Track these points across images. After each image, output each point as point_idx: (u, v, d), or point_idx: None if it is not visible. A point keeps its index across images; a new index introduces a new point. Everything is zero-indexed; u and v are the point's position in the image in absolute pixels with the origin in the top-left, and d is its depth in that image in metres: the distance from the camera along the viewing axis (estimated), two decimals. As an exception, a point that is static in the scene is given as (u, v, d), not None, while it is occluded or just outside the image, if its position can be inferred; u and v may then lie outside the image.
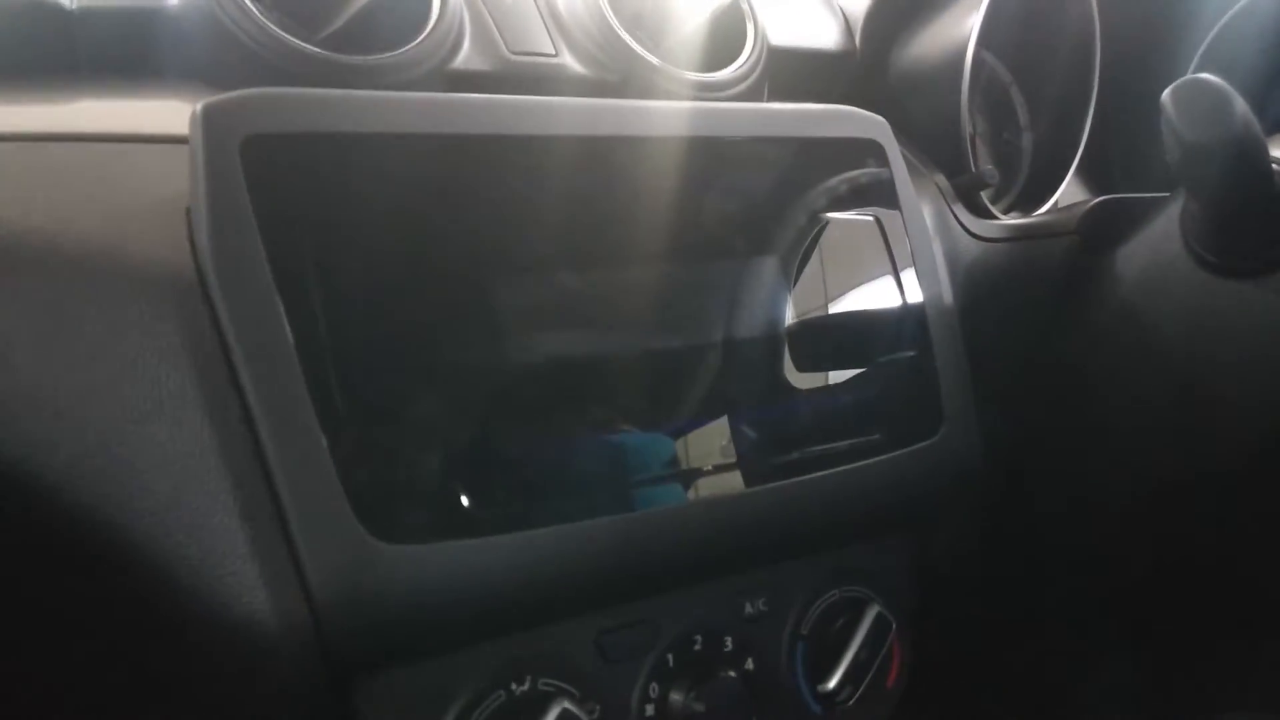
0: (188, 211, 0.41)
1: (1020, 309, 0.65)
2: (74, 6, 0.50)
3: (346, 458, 0.39)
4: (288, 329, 0.39)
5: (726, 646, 0.51)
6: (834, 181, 0.55)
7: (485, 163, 0.45)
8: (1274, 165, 0.51)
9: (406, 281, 0.42)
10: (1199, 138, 0.47)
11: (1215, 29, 0.81)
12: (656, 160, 0.49)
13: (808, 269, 0.53)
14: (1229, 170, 0.48)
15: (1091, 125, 0.79)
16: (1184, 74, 0.82)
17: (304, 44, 0.49)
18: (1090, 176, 0.87)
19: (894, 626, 0.54)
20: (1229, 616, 0.69)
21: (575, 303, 0.46)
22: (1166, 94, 0.48)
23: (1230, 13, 0.81)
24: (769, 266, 0.52)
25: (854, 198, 0.56)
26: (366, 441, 0.40)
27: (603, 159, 0.48)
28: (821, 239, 0.54)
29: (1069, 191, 0.80)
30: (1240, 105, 0.46)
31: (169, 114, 0.47)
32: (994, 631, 0.69)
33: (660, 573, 0.48)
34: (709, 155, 0.51)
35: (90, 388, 0.39)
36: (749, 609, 0.52)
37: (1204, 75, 0.47)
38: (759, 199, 0.52)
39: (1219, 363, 0.57)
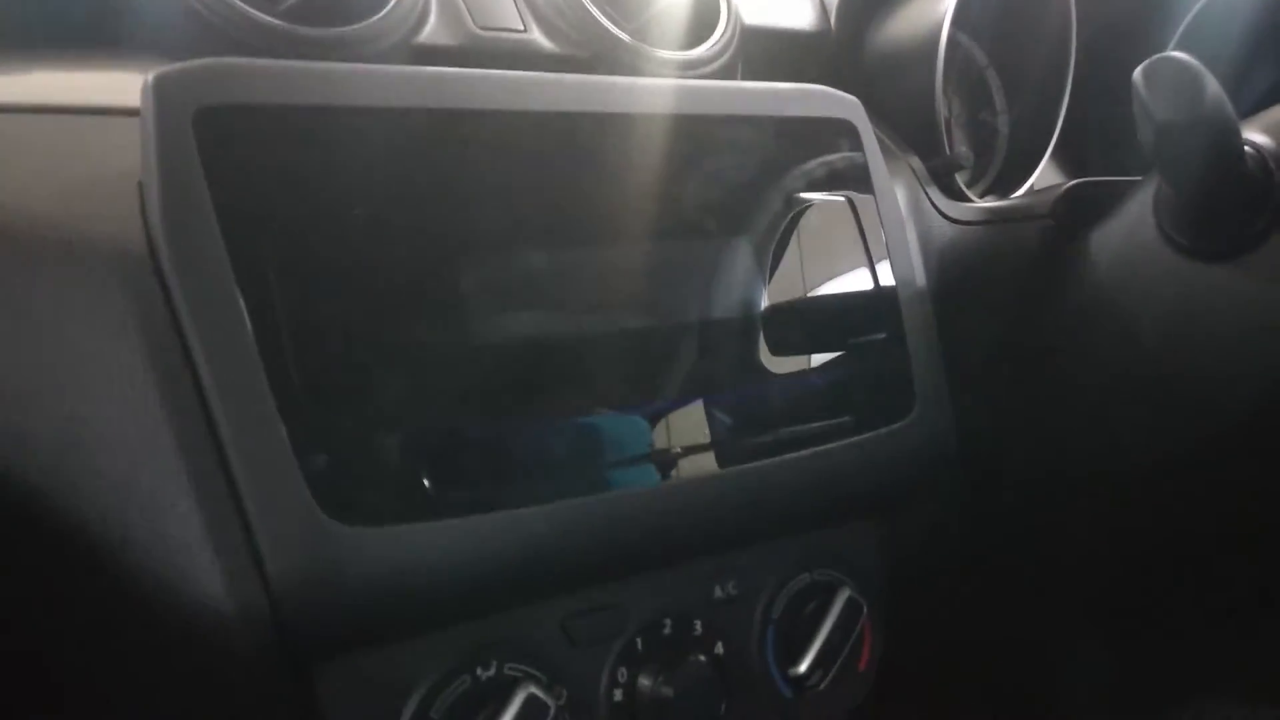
0: (140, 186, 0.40)
1: (994, 292, 0.65)
2: (24, -26, 0.48)
3: (303, 438, 0.38)
4: (243, 307, 0.38)
5: (696, 630, 0.50)
6: (807, 162, 0.54)
7: (447, 138, 0.44)
8: (1246, 146, 0.51)
9: (366, 259, 0.41)
10: (1170, 116, 0.46)
11: (1193, 11, 0.81)
12: (626, 138, 0.48)
13: (780, 250, 0.52)
14: (1200, 150, 0.48)
15: (1068, 109, 0.79)
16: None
17: (264, 15, 0.48)
18: (1066, 160, 0.87)
19: (865, 610, 0.53)
20: (1204, 600, 0.70)
21: (541, 282, 0.45)
22: (1138, 72, 0.47)
23: (1203, 1, 0.81)
24: (741, 247, 0.51)
25: (827, 179, 0.55)
26: (324, 422, 0.39)
27: (571, 136, 0.47)
28: (795, 220, 0.53)
29: (1045, 175, 0.79)
30: (1212, 84, 0.46)
31: (123, 85, 0.45)
32: (967, 615, 0.69)
33: (629, 556, 0.47)
34: (680, 133, 0.50)
35: (38, 366, 0.38)
36: (719, 592, 0.51)
37: (1176, 54, 0.47)
38: (731, 179, 0.52)
39: (1192, 345, 0.57)
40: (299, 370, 0.38)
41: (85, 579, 0.38)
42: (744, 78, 0.66)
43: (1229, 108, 0.47)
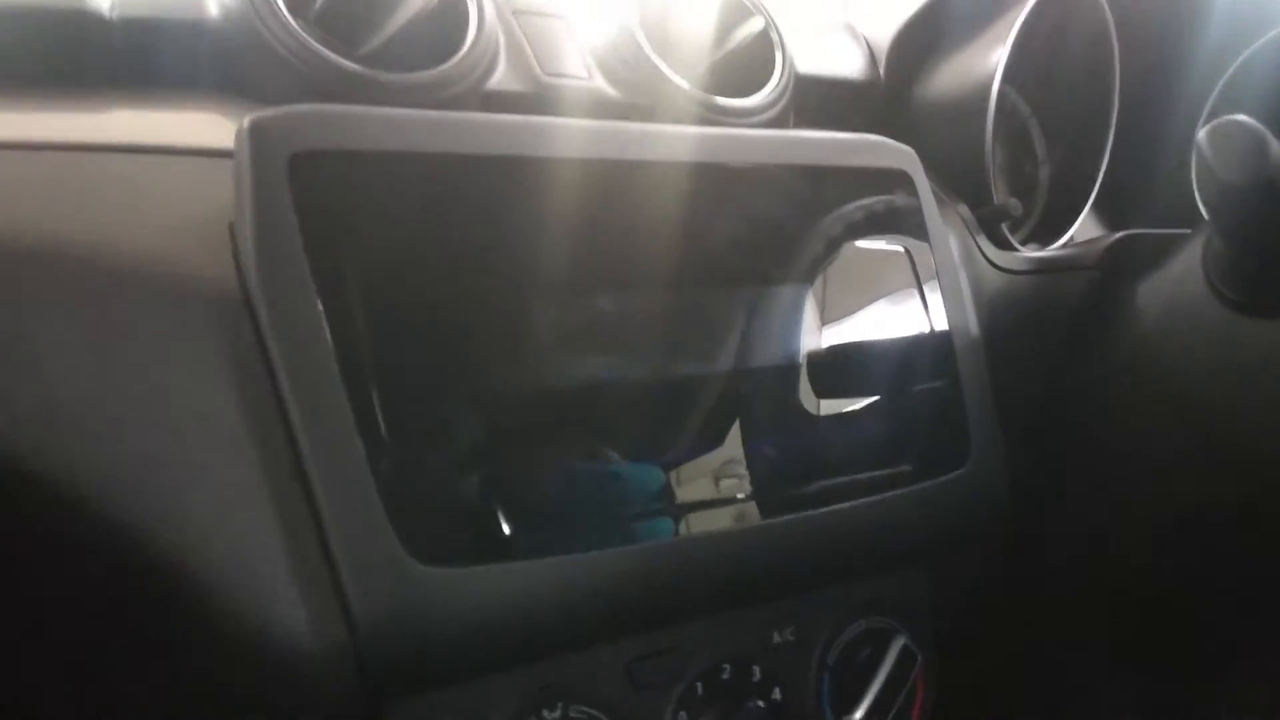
0: (231, 226, 0.41)
1: (1042, 341, 0.65)
2: (114, 16, 0.49)
3: (388, 479, 0.38)
4: (332, 347, 0.39)
5: (754, 676, 0.50)
6: (862, 211, 0.55)
7: (524, 183, 0.45)
8: (1304, 205, 0.52)
9: (448, 301, 0.42)
10: (1234, 178, 0.47)
11: (1232, 68, 0.82)
12: (690, 185, 0.49)
13: (839, 298, 0.53)
14: (1262, 211, 0.49)
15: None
16: (1200, 112, 0.83)
17: (344, 60, 0.49)
18: (1103, 209, 0.88)
19: (919, 658, 0.53)
20: (1243, 649, 0.69)
21: (613, 327, 0.46)
22: (1202, 134, 0.48)
23: (1247, 52, 0.82)
24: (797, 295, 0.52)
25: (881, 227, 0.56)
26: (408, 462, 0.39)
27: (638, 183, 0.48)
28: (850, 268, 0.54)
29: (1084, 225, 0.80)
30: (1275, 146, 0.47)
31: (210, 126, 0.47)
32: (1018, 660, 0.68)
33: (691, 601, 0.47)
34: (740, 181, 0.51)
35: (132, 403, 0.38)
36: (776, 638, 0.51)
37: (1240, 117, 0.47)
38: (788, 226, 0.53)
39: (1240, 399, 0.57)
40: (384, 412, 0.39)
41: (171, 615, 0.38)
42: (795, 124, 0.67)
43: (1291, 170, 0.48)
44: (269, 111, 0.41)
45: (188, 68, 0.50)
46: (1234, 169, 0.47)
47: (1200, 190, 0.50)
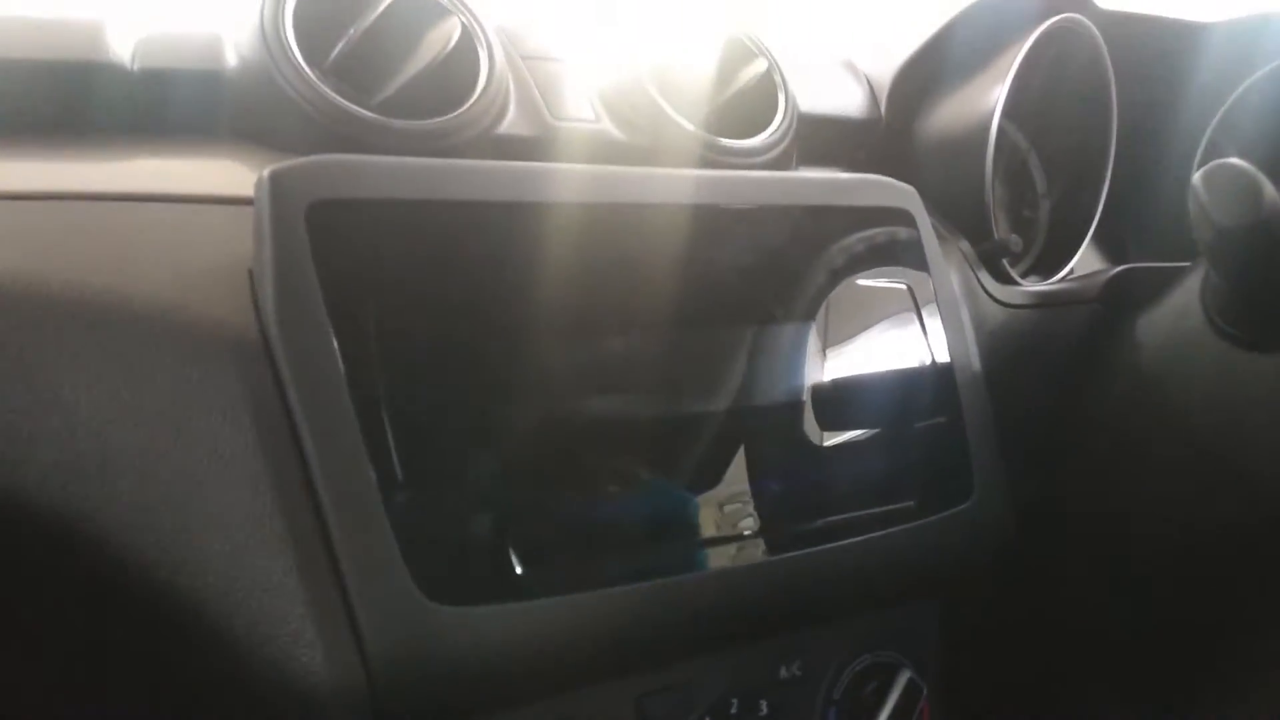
0: (250, 273, 0.42)
1: (1044, 374, 0.66)
2: (135, 67, 0.51)
3: (403, 520, 0.39)
4: (348, 391, 0.40)
5: (761, 710, 0.51)
6: (865, 249, 0.56)
7: (533, 227, 0.46)
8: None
9: (462, 345, 0.43)
10: (1230, 221, 0.48)
11: (1228, 102, 0.84)
12: (695, 227, 0.50)
13: (841, 336, 0.54)
14: (1257, 252, 0.50)
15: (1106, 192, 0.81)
16: (1196, 145, 0.84)
17: (359, 109, 0.51)
18: (1103, 241, 0.89)
19: (924, 692, 0.54)
20: (1241, 679, 0.70)
21: (616, 366, 0.47)
22: (1198, 177, 0.49)
23: (1242, 86, 0.83)
24: (802, 334, 0.53)
25: (884, 265, 0.57)
26: (422, 503, 0.40)
27: (644, 225, 0.49)
28: (854, 306, 0.55)
29: (1084, 258, 0.81)
30: (1270, 190, 0.48)
31: (229, 175, 0.48)
32: (1023, 693, 0.69)
33: (699, 636, 0.48)
34: (744, 223, 0.52)
35: (152, 446, 0.39)
36: (783, 673, 0.52)
37: (1235, 160, 0.48)
38: (793, 266, 0.54)
39: (1239, 432, 0.58)
40: (399, 453, 0.40)
41: (188, 654, 0.39)
42: (798, 162, 0.69)
43: (1285, 211, 0.49)
44: (288, 162, 0.42)
45: (206, 117, 0.51)
46: (1229, 212, 0.48)
47: (1197, 232, 0.51)
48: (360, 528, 0.39)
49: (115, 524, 0.38)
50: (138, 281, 0.41)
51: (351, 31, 0.52)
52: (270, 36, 0.50)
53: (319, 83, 0.50)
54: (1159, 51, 0.86)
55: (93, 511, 0.38)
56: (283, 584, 0.39)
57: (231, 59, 0.51)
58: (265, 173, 0.41)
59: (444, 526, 0.41)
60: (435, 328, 0.42)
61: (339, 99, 0.50)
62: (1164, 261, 0.67)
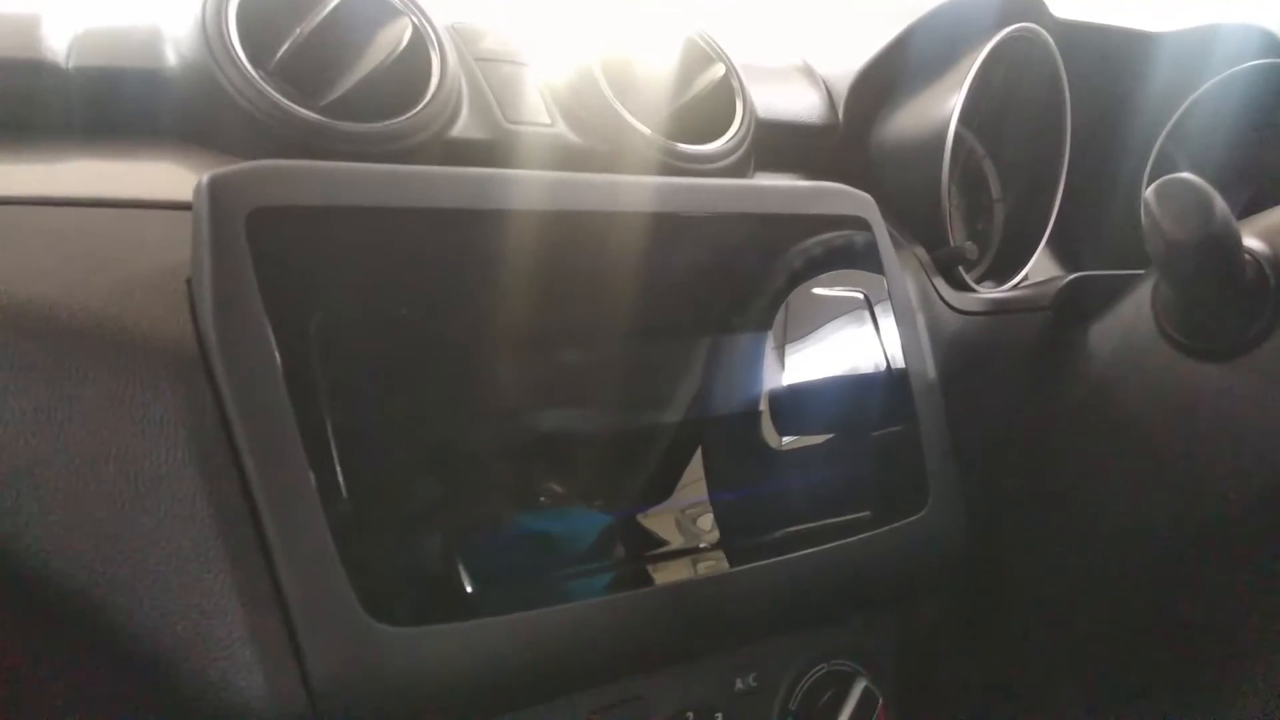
0: (188, 282, 0.41)
1: (998, 381, 0.66)
2: (71, 65, 0.49)
3: (347, 539, 0.38)
4: (290, 405, 0.39)
5: (717, 722, 0.51)
6: (821, 257, 0.56)
7: (483, 236, 0.45)
8: (1246, 256, 0.53)
9: (409, 358, 0.42)
10: (1181, 235, 0.48)
11: (1178, 111, 0.85)
12: (649, 235, 0.50)
13: (797, 345, 0.54)
14: (1207, 265, 0.50)
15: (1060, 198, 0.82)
16: (1149, 152, 0.85)
17: (305, 111, 0.49)
18: (1057, 246, 0.90)
19: (880, 700, 0.54)
20: (1194, 684, 0.71)
21: (567, 381, 0.46)
22: (1150, 191, 0.49)
23: (1192, 96, 0.85)
24: (758, 342, 0.52)
25: (840, 273, 0.57)
26: (367, 521, 0.39)
27: (597, 234, 0.48)
28: (810, 314, 0.55)
29: (1039, 263, 0.82)
30: (1220, 204, 0.48)
31: (168, 178, 0.46)
32: (980, 700, 0.69)
33: (653, 651, 0.48)
34: (700, 230, 0.51)
35: (86, 460, 0.38)
36: (739, 685, 0.52)
37: (1187, 175, 0.49)
38: (749, 274, 0.53)
39: (1189, 440, 0.58)
40: (343, 471, 0.39)
41: (126, 676, 0.38)
42: (756, 167, 0.68)
43: (1234, 225, 0.49)
44: (227, 168, 0.40)
45: (146, 117, 0.50)
46: (1181, 226, 0.48)
47: (1149, 244, 0.51)
48: (302, 547, 0.38)
49: (43, 543, 0.37)
50: (70, 290, 0.40)
51: (298, 31, 0.51)
52: (212, 35, 0.48)
53: (263, 84, 0.49)
54: (1112, 60, 0.87)
55: (19, 530, 0.37)
56: (221, 605, 0.37)
57: (172, 58, 0.50)
58: (204, 179, 0.40)
59: (389, 544, 0.40)
60: (381, 340, 0.41)
61: (284, 100, 0.49)
62: (1116, 266, 0.68)
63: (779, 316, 0.53)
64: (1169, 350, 0.58)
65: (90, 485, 0.38)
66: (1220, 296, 0.54)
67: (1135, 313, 0.61)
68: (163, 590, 0.37)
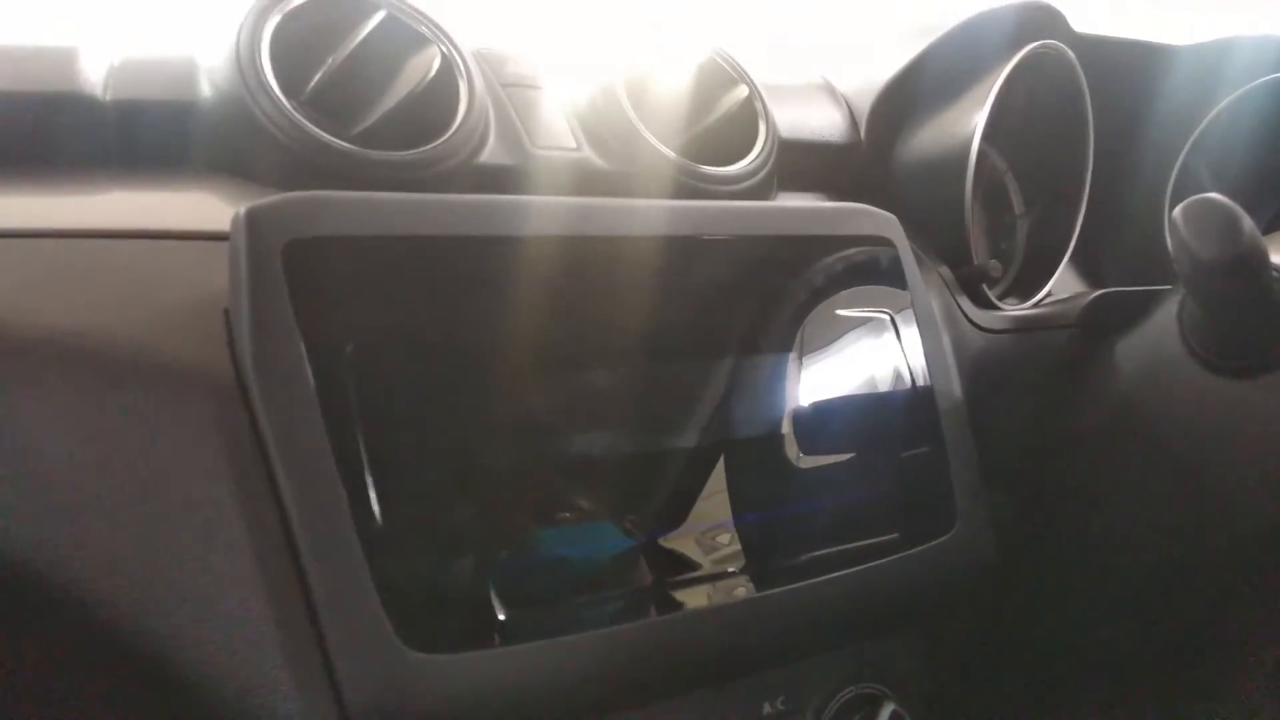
0: (226, 312, 0.42)
1: (1024, 398, 0.66)
2: (107, 98, 0.50)
3: (383, 566, 0.39)
4: (326, 433, 0.39)
5: (747, 747, 0.51)
6: (846, 278, 0.56)
7: (512, 262, 0.45)
8: (1274, 273, 0.53)
9: (443, 386, 0.42)
10: (1209, 255, 0.48)
11: (1201, 125, 0.85)
12: (676, 258, 0.50)
13: (823, 366, 0.54)
14: (1235, 284, 0.50)
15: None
16: (1169, 169, 0.85)
17: (337, 140, 0.50)
18: (1079, 263, 0.89)
19: (909, 722, 0.54)
20: (1238, 696, 0.70)
21: (600, 405, 0.47)
22: (1178, 211, 0.49)
23: (1215, 110, 0.84)
24: (784, 364, 0.53)
25: (866, 294, 0.57)
26: (402, 550, 0.40)
27: (624, 258, 0.49)
28: (836, 336, 0.55)
29: (1062, 279, 0.82)
30: (1248, 224, 0.48)
31: (204, 210, 0.47)
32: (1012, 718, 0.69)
33: (683, 675, 0.48)
34: (725, 252, 0.52)
35: (125, 491, 0.38)
36: (768, 709, 0.52)
37: (1214, 195, 0.49)
38: (775, 296, 0.53)
39: (1216, 456, 0.58)
40: (379, 499, 0.39)
41: (161, 704, 0.38)
42: (778, 187, 0.69)
43: (1263, 244, 0.49)
44: (263, 200, 0.41)
45: (181, 149, 0.50)
46: (1209, 246, 0.48)
47: (1177, 264, 0.51)
48: (339, 575, 0.38)
49: (86, 572, 0.38)
50: (111, 322, 0.41)
51: (329, 61, 0.52)
52: (246, 67, 0.49)
53: (296, 114, 0.49)
54: (1132, 75, 0.87)
55: (62, 559, 0.37)
56: (258, 633, 0.38)
57: (206, 89, 0.50)
58: (241, 211, 0.40)
59: (424, 573, 0.40)
60: (415, 368, 0.42)
61: (316, 130, 0.49)
62: (1139, 281, 0.68)
63: (805, 337, 0.53)
64: (1196, 367, 0.58)
65: (131, 515, 0.38)
66: (1248, 314, 0.54)
67: (1162, 329, 0.61)
68: (200, 616, 0.38)
